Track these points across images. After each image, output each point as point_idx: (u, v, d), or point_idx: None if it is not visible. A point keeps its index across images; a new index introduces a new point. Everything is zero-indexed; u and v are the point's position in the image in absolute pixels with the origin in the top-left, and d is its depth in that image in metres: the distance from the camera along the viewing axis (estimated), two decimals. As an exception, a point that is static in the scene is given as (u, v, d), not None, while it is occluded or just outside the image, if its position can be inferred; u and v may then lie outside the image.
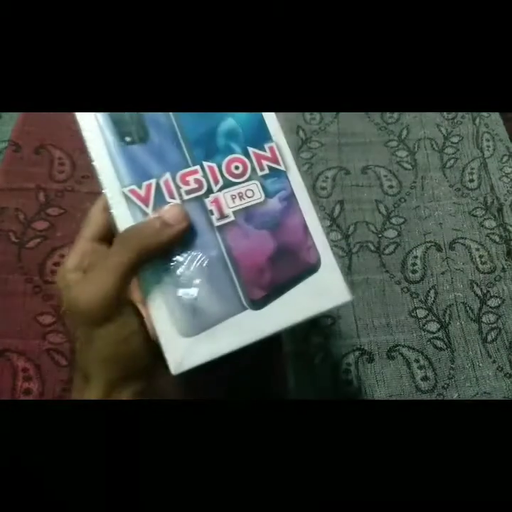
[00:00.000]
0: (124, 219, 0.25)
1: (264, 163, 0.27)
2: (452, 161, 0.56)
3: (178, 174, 0.26)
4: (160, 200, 0.25)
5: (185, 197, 0.26)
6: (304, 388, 0.43)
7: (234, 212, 0.26)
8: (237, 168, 0.26)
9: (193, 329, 0.24)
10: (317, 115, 0.57)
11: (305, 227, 0.27)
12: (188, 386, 0.27)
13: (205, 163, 0.26)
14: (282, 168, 0.27)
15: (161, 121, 0.26)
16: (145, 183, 0.25)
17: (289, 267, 0.26)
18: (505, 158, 0.57)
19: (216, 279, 0.25)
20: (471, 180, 0.55)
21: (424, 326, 0.46)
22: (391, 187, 0.53)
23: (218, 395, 0.35)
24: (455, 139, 0.58)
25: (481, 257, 0.50)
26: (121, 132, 0.25)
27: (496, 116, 0.60)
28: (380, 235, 0.50)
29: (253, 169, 0.27)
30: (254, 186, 0.27)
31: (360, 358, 0.44)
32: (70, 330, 0.26)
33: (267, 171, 0.27)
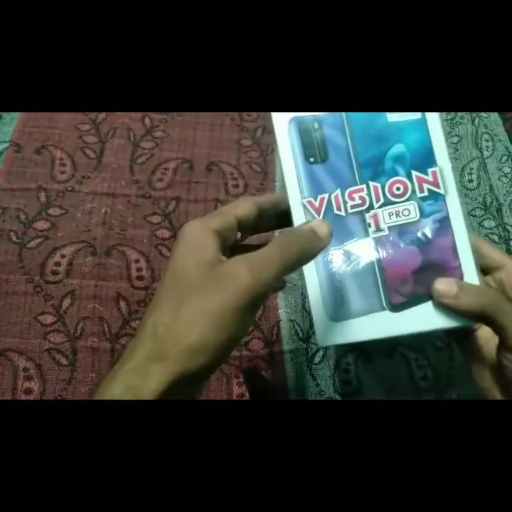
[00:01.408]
0: (300, 223, 0.29)
1: (425, 186, 0.30)
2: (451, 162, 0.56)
3: (347, 191, 0.30)
4: (329, 211, 0.30)
5: (350, 210, 0.30)
6: (303, 388, 0.43)
7: (389, 228, 0.30)
8: (398, 189, 0.30)
9: (338, 316, 0.30)
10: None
11: (454, 249, 0.29)
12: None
13: (371, 183, 0.30)
14: (441, 191, 0.30)
15: (340, 144, 0.30)
16: (320, 196, 0.30)
17: (430, 282, 0.29)
18: (504, 159, 0.57)
19: (364, 280, 0.30)
20: (471, 181, 0.55)
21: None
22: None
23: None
24: (454, 140, 0.58)
25: (480, 256, 0.50)
26: (307, 154, 0.30)
27: (495, 116, 0.60)
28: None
29: (413, 191, 0.30)
30: (412, 206, 0.30)
31: (360, 357, 0.44)
32: (156, 302, 0.25)
33: (425, 194, 0.30)
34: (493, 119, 0.60)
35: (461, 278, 0.29)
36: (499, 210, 0.53)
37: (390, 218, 0.30)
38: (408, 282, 0.30)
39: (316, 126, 0.30)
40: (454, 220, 0.29)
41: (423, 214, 0.30)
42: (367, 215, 0.30)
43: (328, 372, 0.44)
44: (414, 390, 0.43)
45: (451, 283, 0.28)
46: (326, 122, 0.30)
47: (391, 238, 0.30)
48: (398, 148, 0.30)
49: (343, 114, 0.30)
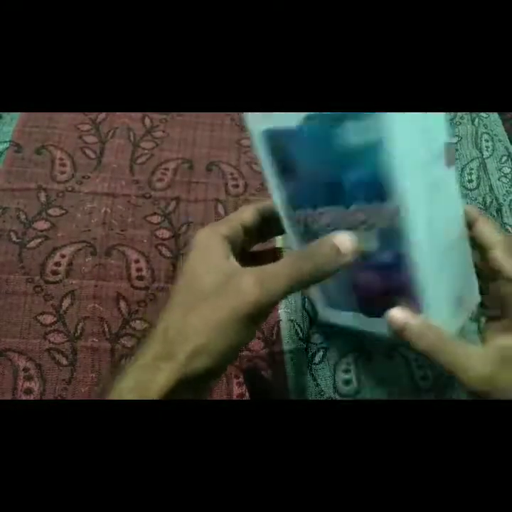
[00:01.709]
0: (289, 234, 0.32)
1: (383, 218, 0.27)
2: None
3: (316, 211, 0.30)
4: (309, 228, 0.31)
5: (320, 232, 0.30)
6: (303, 388, 0.43)
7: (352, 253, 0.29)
8: (359, 216, 0.28)
9: (328, 305, 0.37)
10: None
11: (412, 283, 0.28)
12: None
13: (333, 208, 0.29)
14: (398, 226, 0.27)
15: (307, 163, 0.29)
16: (297, 212, 0.31)
17: (395, 303, 0.30)
18: (504, 159, 0.57)
19: (342, 291, 0.34)
20: (470, 181, 0.55)
21: (423, 325, 0.46)
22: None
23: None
24: (454, 140, 0.58)
25: (480, 257, 0.50)
26: (279, 169, 0.30)
27: (494, 116, 0.60)
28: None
29: (372, 222, 0.28)
30: (371, 236, 0.28)
31: (360, 357, 0.44)
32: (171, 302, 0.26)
33: (385, 226, 0.27)
34: (493, 119, 0.60)
35: (419, 311, 0.29)
36: (499, 210, 0.53)
37: (353, 244, 0.28)
38: (376, 301, 0.31)
39: (284, 141, 0.28)
40: (416, 255, 0.27)
41: (383, 245, 0.28)
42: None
43: (328, 372, 0.44)
44: (414, 390, 0.43)
45: (402, 316, 0.29)
46: (294, 138, 0.28)
47: (357, 262, 0.28)
48: (357, 174, 0.27)
49: (306, 131, 0.27)
